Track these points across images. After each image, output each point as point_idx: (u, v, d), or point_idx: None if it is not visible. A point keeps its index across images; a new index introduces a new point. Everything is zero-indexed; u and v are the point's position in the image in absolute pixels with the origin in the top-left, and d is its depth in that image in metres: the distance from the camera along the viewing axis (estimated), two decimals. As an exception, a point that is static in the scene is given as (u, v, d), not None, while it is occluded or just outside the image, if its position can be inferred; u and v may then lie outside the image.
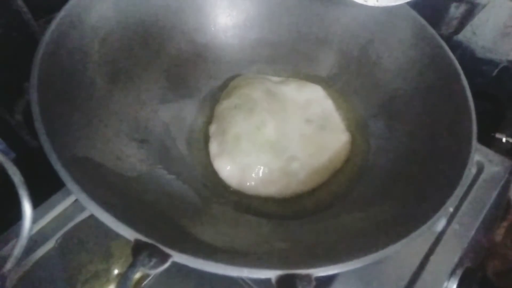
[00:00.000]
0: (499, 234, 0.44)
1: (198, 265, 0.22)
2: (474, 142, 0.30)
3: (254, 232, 0.32)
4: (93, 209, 0.23)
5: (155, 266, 0.21)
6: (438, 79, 0.36)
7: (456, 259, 0.36)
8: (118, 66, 0.38)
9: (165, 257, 0.22)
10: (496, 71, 0.54)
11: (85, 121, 0.33)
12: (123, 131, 0.36)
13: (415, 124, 0.36)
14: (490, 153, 0.44)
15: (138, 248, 0.22)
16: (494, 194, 0.40)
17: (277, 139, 0.38)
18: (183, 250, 0.22)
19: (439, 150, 0.32)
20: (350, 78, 0.44)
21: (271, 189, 0.37)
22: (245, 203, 0.36)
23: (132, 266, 0.21)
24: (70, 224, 0.38)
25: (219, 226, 0.32)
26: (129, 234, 0.22)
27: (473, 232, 0.38)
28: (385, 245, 0.24)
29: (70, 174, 0.24)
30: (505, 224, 0.44)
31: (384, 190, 0.34)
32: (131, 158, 0.35)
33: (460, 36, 0.54)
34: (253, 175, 0.36)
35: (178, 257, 0.22)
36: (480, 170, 0.43)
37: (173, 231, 0.27)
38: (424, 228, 0.25)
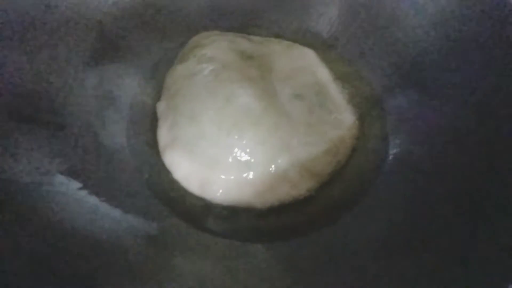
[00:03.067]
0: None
1: None
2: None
3: (222, 268, 0.21)
4: None
5: None
6: (490, 34, 0.25)
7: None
8: (20, 16, 0.26)
9: None
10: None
11: None
12: (23, 110, 0.24)
13: (459, 99, 0.25)
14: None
15: None
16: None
17: (256, 119, 0.26)
18: None
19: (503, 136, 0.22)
20: (357, 37, 0.32)
21: (249, 196, 0.25)
22: (210, 218, 0.24)
23: None
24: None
25: (168, 262, 0.20)
26: None
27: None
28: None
29: None
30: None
31: (416, 205, 0.23)
32: (33, 154, 0.23)
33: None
34: (222, 175, 0.25)
35: None
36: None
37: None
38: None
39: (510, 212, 0.20)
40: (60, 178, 0.23)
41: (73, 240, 0.21)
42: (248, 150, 0.25)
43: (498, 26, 0.25)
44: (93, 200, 0.23)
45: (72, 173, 0.23)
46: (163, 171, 0.26)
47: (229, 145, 0.25)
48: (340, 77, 0.31)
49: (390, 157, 0.27)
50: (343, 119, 0.29)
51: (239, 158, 0.25)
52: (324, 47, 0.32)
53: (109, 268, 0.20)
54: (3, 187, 0.21)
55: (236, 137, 0.25)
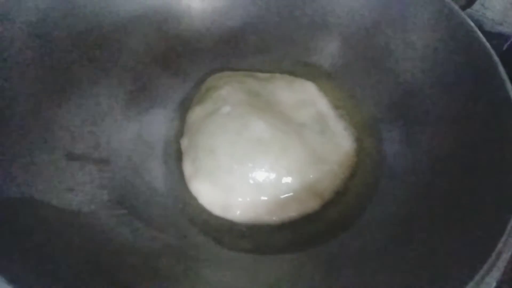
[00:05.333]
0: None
1: None
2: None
3: (242, 277, 0.26)
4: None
5: None
6: (470, 72, 0.28)
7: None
8: (63, 71, 0.31)
9: None
10: (506, 45, 0.47)
11: (18, 146, 0.26)
12: (76, 152, 0.29)
13: (443, 129, 0.29)
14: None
15: None
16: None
17: (265, 148, 0.31)
18: None
19: (482, 164, 0.25)
20: (354, 69, 0.36)
21: (264, 214, 0.30)
22: (232, 235, 0.29)
23: None
24: None
25: (195, 272, 0.25)
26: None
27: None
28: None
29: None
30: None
31: (407, 220, 0.27)
32: (87, 187, 0.28)
33: (468, 9, 0.47)
34: (239, 198, 0.30)
35: None
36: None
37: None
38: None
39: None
40: (109, 206, 0.28)
41: (119, 254, 0.25)
42: (259, 176, 0.30)
43: (477, 67, 0.28)
44: (135, 223, 0.28)
45: (118, 202, 0.28)
46: (191, 198, 0.30)
47: (243, 172, 0.30)
48: (339, 106, 0.35)
49: (386, 179, 0.31)
50: (342, 144, 0.33)
51: (252, 183, 0.30)
52: (324, 78, 0.36)
53: (148, 276, 0.25)
54: (67, 217, 0.26)
55: (248, 165, 0.30)
